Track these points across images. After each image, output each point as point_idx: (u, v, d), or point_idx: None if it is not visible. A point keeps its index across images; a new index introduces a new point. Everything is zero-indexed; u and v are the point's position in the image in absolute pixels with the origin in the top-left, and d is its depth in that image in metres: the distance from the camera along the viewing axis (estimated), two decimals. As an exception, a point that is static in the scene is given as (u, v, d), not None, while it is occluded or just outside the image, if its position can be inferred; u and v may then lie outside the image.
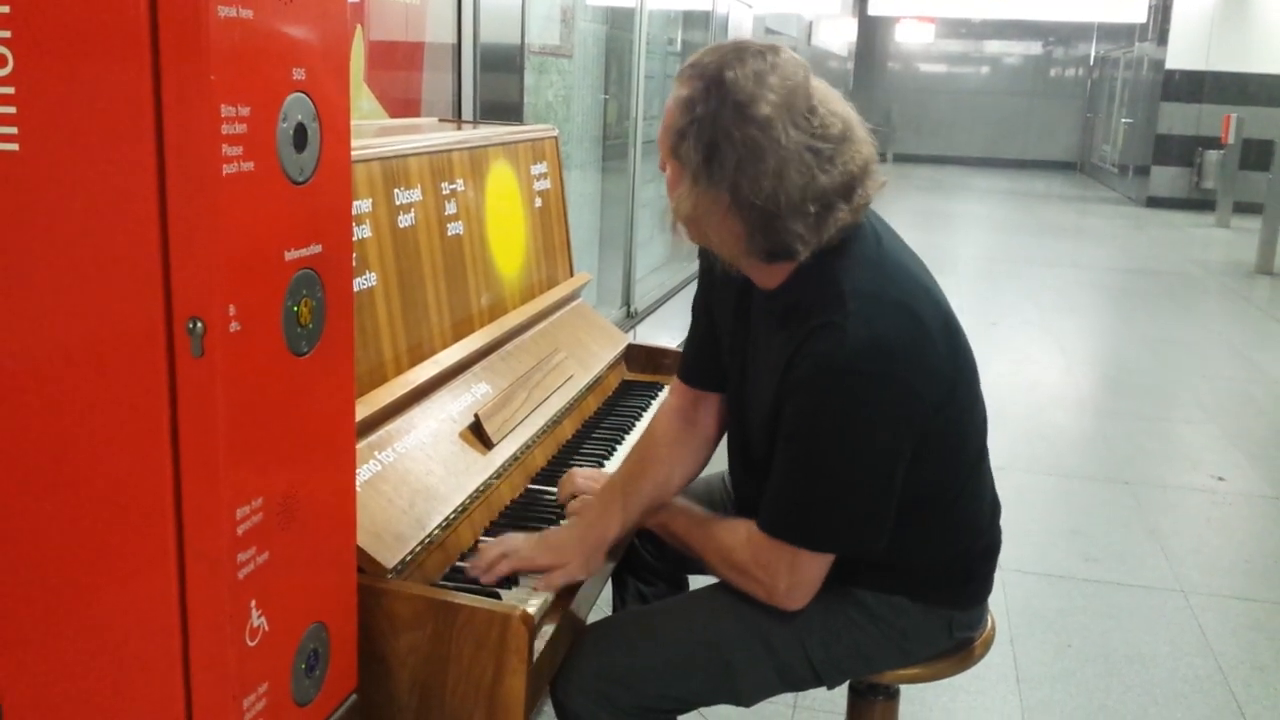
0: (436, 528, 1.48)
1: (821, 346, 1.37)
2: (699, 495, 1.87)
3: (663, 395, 2.26)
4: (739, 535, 1.50)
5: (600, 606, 1.80)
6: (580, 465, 1.88)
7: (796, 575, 1.46)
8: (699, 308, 1.72)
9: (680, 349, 2.45)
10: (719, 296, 1.65)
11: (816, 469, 1.42)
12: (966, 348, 1.50)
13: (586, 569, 1.53)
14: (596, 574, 1.59)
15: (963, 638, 1.64)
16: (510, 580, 1.48)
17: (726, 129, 1.33)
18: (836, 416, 1.39)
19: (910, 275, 1.47)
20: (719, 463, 1.81)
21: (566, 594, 1.50)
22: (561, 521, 1.66)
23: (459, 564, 1.51)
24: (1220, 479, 4.15)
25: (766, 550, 1.46)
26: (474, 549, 1.56)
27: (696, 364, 1.73)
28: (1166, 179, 13.97)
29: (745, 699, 1.58)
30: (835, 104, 1.39)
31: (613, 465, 1.89)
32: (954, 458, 1.52)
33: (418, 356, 1.69)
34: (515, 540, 1.52)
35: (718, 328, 1.66)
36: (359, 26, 2.32)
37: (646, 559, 1.88)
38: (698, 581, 1.75)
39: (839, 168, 1.36)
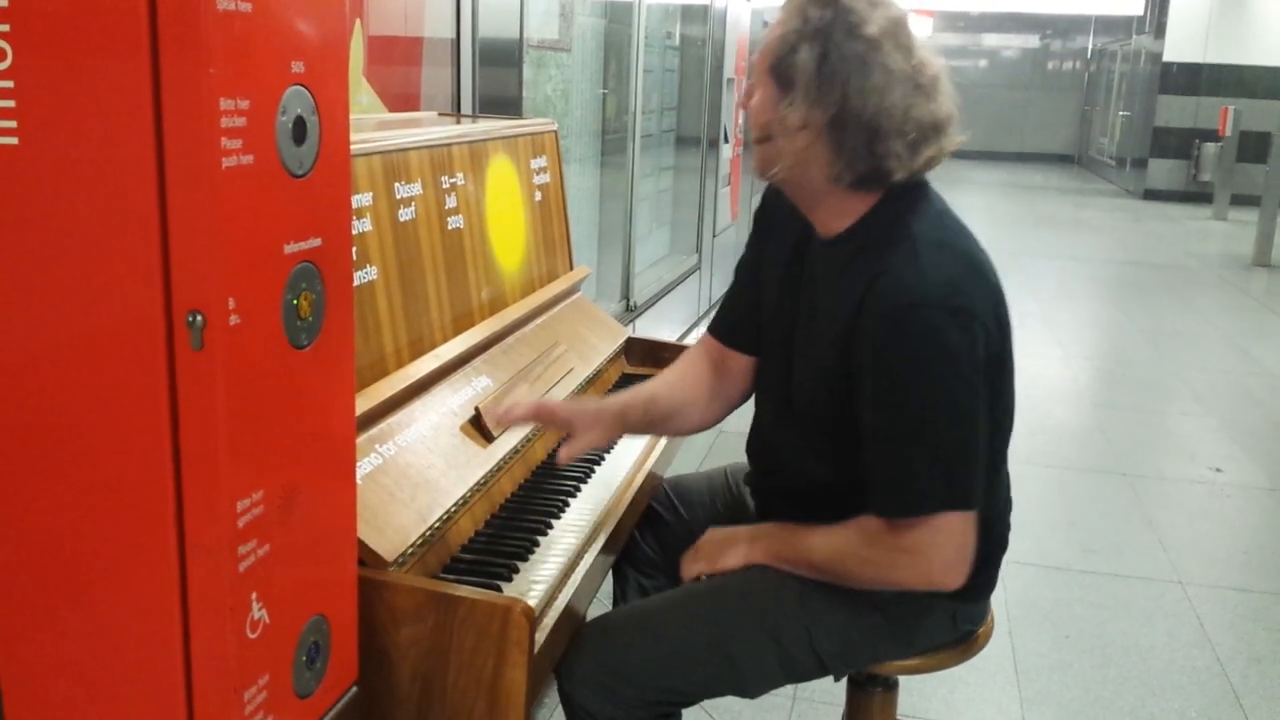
0: (437, 520, 1.48)
1: (894, 285, 1.39)
2: (701, 493, 1.88)
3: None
4: (870, 529, 1.45)
5: (600, 599, 1.81)
6: (580, 456, 1.88)
7: (949, 545, 1.42)
8: (746, 267, 1.73)
9: (679, 342, 2.46)
10: (771, 254, 1.66)
11: (917, 424, 1.40)
12: (1010, 324, 1.52)
13: (605, 435, 1.63)
14: (601, 444, 1.68)
15: (965, 630, 1.64)
16: (512, 570, 1.49)
17: (839, 43, 1.38)
18: (920, 362, 1.38)
19: (971, 234, 1.52)
20: (722, 458, 1.82)
21: (568, 584, 1.51)
22: (561, 515, 1.67)
23: (460, 554, 1.52)
24: (1218, 471, 4.16)
25: (906, 532, 1.42)
26: (475, 537, 1.56)
27: (732, 322, 1.75)
28: (1164, 171, 13.98)
29: (750, 691, 1.58)
30: (930, 53, 1.45)
31: (611, 457, 1.90)
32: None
33: (418, 350, 1.69)
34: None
35: (763, 288, 1.67)
36: (358, 21, 2.32)
37: (647, 552, 1.88)
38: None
39: (931, 106, 1.42)
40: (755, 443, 1.73)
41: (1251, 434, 4.67)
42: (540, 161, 2.28)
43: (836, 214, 1.49)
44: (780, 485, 1.65)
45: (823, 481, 1.56)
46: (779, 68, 1.41)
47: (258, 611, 1.07)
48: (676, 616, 1.58)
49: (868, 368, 1.41)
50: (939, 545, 1.42)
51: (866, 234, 1.47)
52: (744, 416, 1.78)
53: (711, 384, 1.74)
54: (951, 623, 1.61)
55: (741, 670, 1.54)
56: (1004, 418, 1.53)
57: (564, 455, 1.57)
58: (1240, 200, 11.74)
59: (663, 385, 1.74)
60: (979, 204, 13.18)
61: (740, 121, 6.82)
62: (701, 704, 1.62)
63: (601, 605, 1.86)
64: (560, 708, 1.58)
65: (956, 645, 1.65)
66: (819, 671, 1.57)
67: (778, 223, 1.64)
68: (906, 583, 1.46)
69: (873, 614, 1.55)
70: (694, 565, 1.62)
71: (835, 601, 1.52)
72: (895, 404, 1.41)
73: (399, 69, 2.56)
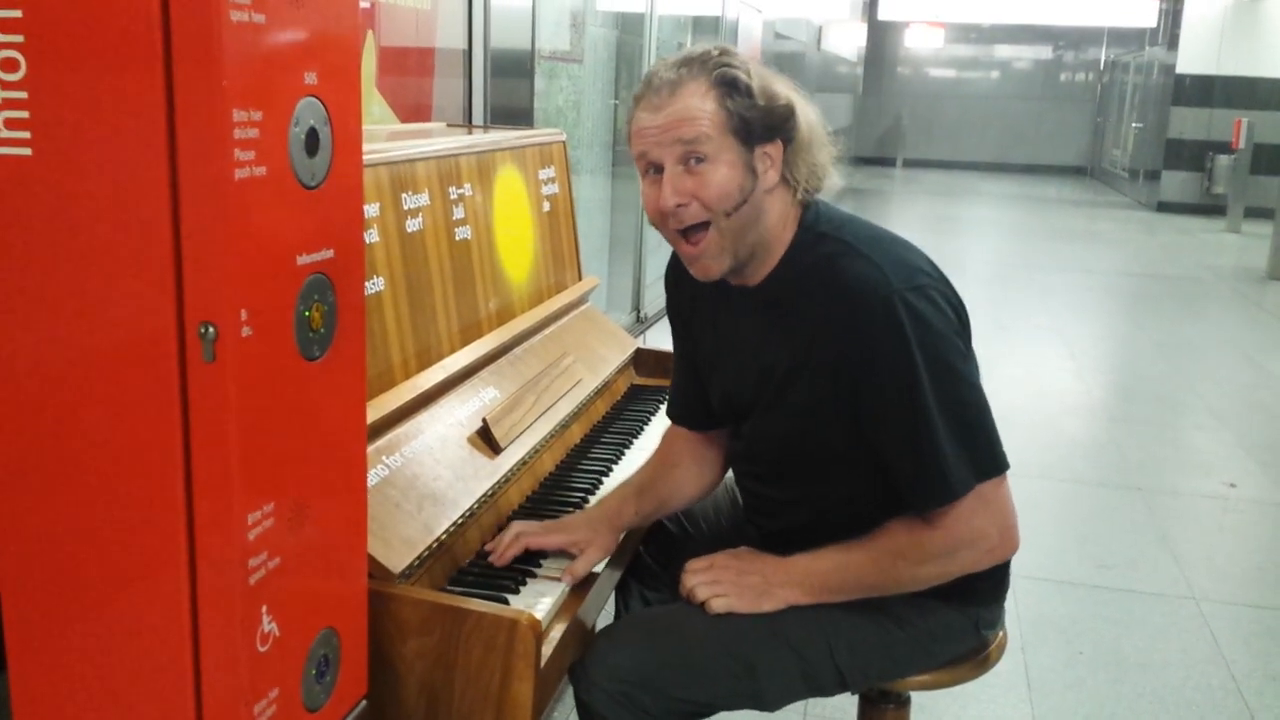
0: (444, 532, 1.47)
1: (859, 287, 1.42)
2: (705, 506, 1.87)
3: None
4: (915, 529, 1.46)
5: (604, 613, 1.80)
6: (588, 469, 1.88)
7: (997, 515, 1.44)
8: (681, 356, 1.75)
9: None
10: (696, 336, 1.68)
11: (926, 410, 1.41)
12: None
13: (602, 549, 1.58)
14: (610, 553, 1.60)
15: (988, 635, 1.64)
16: (526, 574, 1.49)
17: (760, 83, 1.46)
18: (909, 348, 1.39)
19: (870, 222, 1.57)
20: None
21: (575, 598, 1.50)
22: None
23: (467, 567, 1.51)
24: (1232, 485, 4.13)
25: (952, 520, 1.43)
26: (482, 549, 1.56)
27: (693, 410, 1.75)
28: (1177, 184, 13.92)
29: (769, 703, 1.56)
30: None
31: (620, 469, 1.89)
32: None
33: (425, 361, 1.69)
34: (526, 524, 1.58)
35: (701, 370, 1.69)
36: (369, 32, 2.32)
37: (650, 565, 1.87)
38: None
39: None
40: (744, 496, 1.75)
41: (1266, 448, 4.63)
42: (549, 172, 2.28)
43: (772, 252, 1.52)
44: (777, 527, 1.66)
45: (821, 511, 1.59)
46: (736, 127, 1.43)
47: (268, 624, 1.06)
48: (697, 625, 1.56)
49: (863, 378, 1.43)
50: (989, 519, 1.44)
51: (799, 260, 1.50)
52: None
53: (697, 453, 1.76)
54: (974, 629, 1.60)
55: (762, 681, 1.52)
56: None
57: (568, 578, 1.52)
58: (1254, 213, 11.68)
59: (647, 476, 1.74)
60: (990, 216, 13.15)
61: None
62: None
63: (607, 619, 1.85)
64: (567, 721, 1.57)
65: (972, 659, 1.63)
66: (838, 685, 1.56)
67: (687, 305, 1.68)
68: (973, 565, 1.47)
69: (894, 627, 1.54)
70: (718, 601, 1.53)
71: (854, 614, 1.51)
72: (901, 399, 1.42)
73: (411, 80, 2.57)
